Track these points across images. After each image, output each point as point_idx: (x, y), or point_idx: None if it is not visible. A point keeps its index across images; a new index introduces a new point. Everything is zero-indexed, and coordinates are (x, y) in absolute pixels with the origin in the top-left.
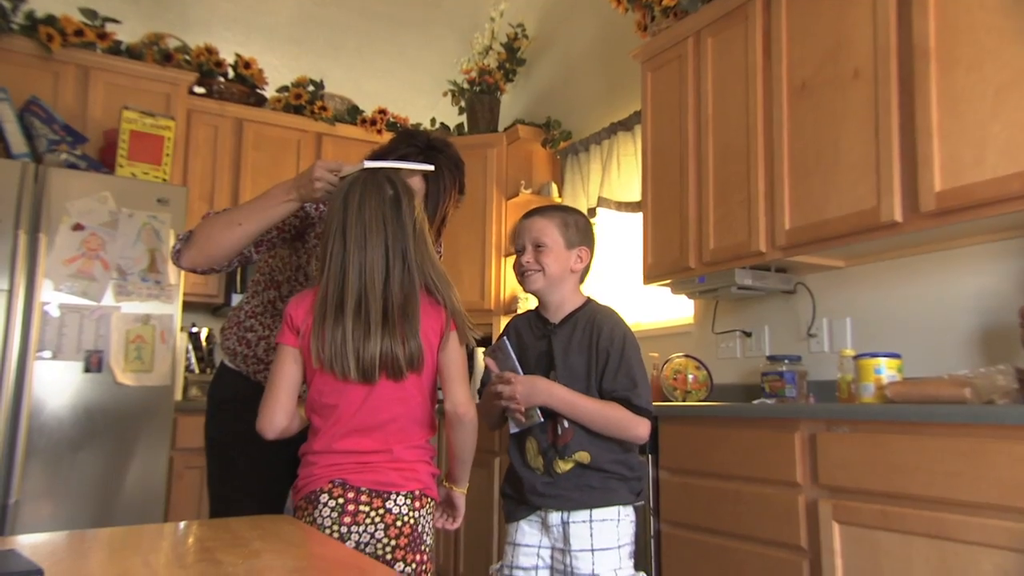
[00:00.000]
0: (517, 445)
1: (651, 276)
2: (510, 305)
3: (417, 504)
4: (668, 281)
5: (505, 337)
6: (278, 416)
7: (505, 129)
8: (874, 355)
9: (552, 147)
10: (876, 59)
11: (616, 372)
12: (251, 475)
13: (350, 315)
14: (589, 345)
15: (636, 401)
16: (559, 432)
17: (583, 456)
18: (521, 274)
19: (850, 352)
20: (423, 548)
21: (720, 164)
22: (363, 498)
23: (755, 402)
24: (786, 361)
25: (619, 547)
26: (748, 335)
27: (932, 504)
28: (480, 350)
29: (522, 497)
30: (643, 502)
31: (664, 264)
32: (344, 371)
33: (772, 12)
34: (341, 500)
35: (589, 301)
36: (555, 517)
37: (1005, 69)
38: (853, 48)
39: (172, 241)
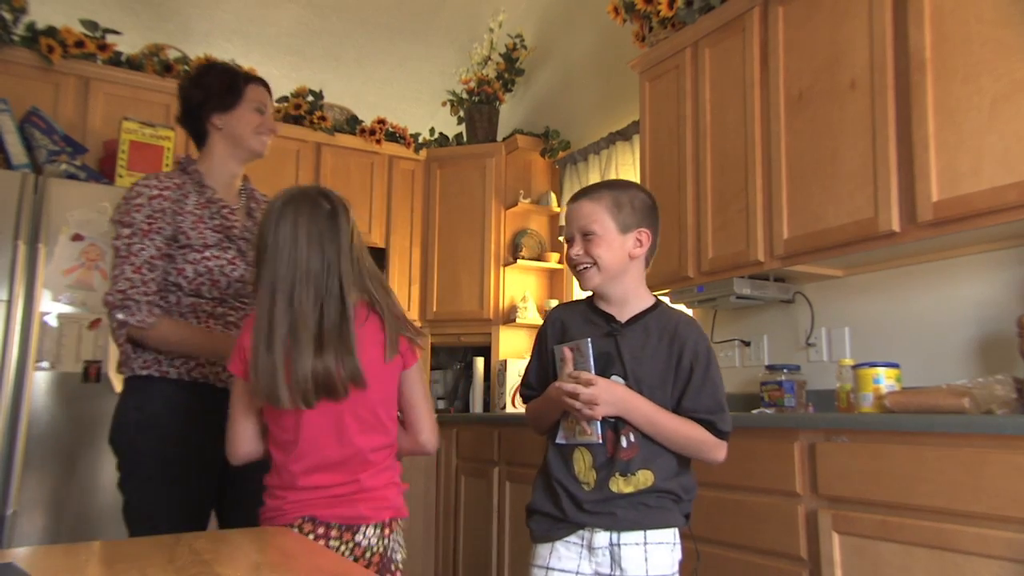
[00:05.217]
0: (561, 455)
1: (649, 285)
2: (509, 314)
3: (387, 531)
4: (667, 290)
5: (590, 340)
6: (241, 447)
7: (504, 139)
8: (873, 365)
9: (551, 157)
10: (873, 70)
11: (700, 391)
12: (178, 485)
13: (279, 342)
14: (669, 355)
15: (721, 426)
16: (623, 445)
17: (647, 477)
18: (573, 268)
19: (849, 362)
20: (392, 568)
21: (718, 174)
22: (333, 532)
23: (754, 411)
24: (785, 371)
25: (672, 574)
26: (747, 344)
27: (932, 514)
28: (479, 359)
29: (563, 514)
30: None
31: (663, 273)
32: (276, 399)
33: (769, 23)
34: (311, 536)
35: (659, 301)
36: (602, 538)
37: (1001, 80)
38: (850, 59)
39: None
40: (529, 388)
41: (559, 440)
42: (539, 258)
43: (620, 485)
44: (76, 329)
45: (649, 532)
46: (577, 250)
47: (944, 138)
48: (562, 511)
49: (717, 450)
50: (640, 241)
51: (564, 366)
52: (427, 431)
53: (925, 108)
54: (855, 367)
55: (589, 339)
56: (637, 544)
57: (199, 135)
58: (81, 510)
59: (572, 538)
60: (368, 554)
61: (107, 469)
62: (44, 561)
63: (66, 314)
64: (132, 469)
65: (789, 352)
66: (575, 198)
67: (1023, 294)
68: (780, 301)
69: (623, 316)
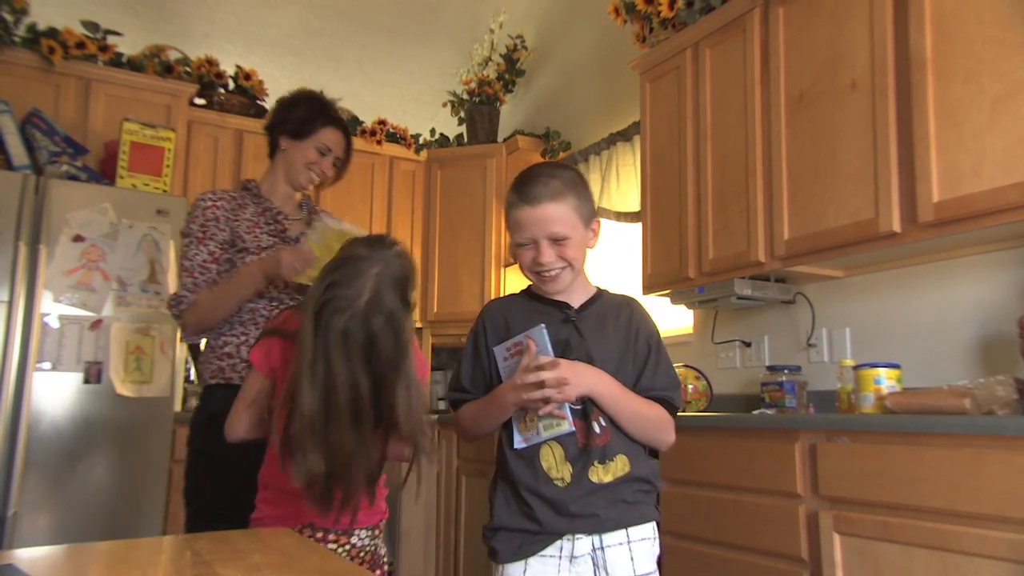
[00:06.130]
0: (524, 459)
1: (650, 286)
2: None
3: (377, 531)
4: (667, 291)
5: (544, 326)
6: (237, 427)
7: (504, 140)
8: (874, 365)
9: (551, 157)
10: (874, 70)
11: (656, 368)
12: (238, 487)
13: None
14: (627, 336)
15: (676, 403)
16: (596, 431)
17: (624, 463)
18: (537, 274)
19: (850, 362)
20: (381, 563)
21: (719, 174)
22: (331, 537)
23: (755, 412)
24: (786, 371)
25: (655, 571)
26: (748, 345)
27: (933, 515)
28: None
29: (538, 525)
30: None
31: (663, 274)
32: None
33: (770, 24)
34: (311, 540)
35: (599, 287)
36: (584, 544)
37: (1002, 81)
38: (850, 60)
39: (172, 252)
40: (460, 392)
41: (518, 444)
42: None
43: (600, 474)
44: (77, 330)
45: (631, 530)
46: (548, 257)
47: (945, 139)
48: (537, 522)
49: (672, 430)
50: (594, 230)
51: (524, 357)
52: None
53: (926, 109)
54: (856, 368)
55: (543, 325)
56: (621, 544)
57: (271, 148)
58: (82, 511)
59: (549, 551)
60: (363, 553)
61: (107, 470)
62: (45, 562)
63: (67, 315)
64: (192, 468)
65: (790, 353)
66: (529, 199)
67: None
68: (781, 302)
69: (575, 303)
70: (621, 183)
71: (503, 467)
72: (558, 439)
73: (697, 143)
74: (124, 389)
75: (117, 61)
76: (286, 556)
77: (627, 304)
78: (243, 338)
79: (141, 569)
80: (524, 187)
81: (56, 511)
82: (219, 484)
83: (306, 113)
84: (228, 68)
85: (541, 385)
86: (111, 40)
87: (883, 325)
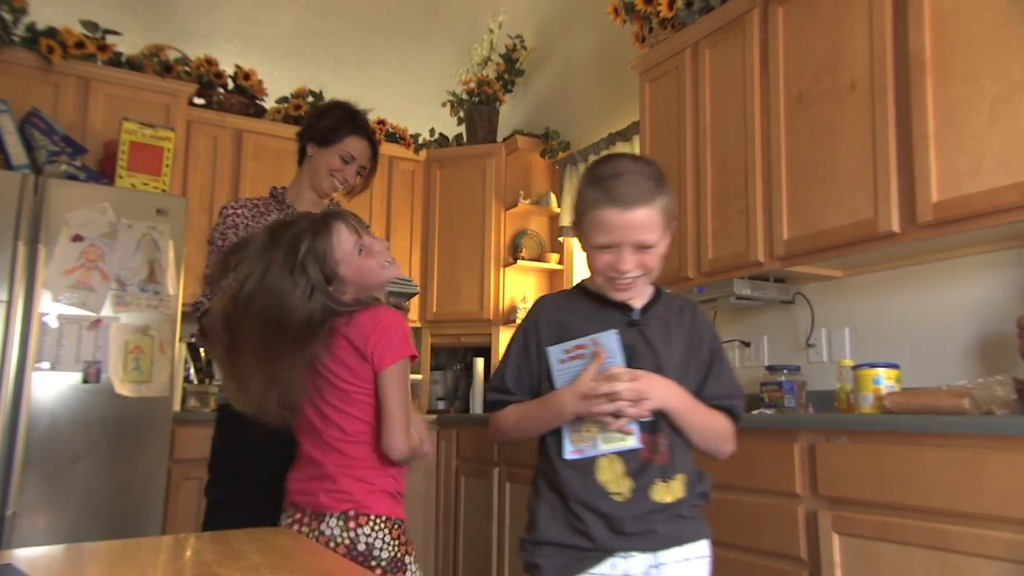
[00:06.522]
0: (579, 470)
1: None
2: (509, 315)
3: (352, 524)
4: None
5: (616, 331)
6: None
7: (504, 139)
8: (873, 365)
9: (551, 157)
10: (873, 71)
11: (720, 375)
12: (250, 481)
13: None
14: (690, 341)
15: (740, 411)
16: (660, 448)
17: (682, 482)
18: (611, 280)
19: (849, 362)
20: (372, 564)
21: (718, 174)
22: (305, 519)
23: (754, 412)
24: (785, 371)
25: None
26: (747, 345)
27: (932, 515)
28: (479, 359)
29: (591, 541)
30: None
31: (662, 274)
32: None
33: (769, 24)
34: (290, 520)
35: (656, 285)
36: (639, 563)
37: (1001, 81)
38: (850, 60)
39: (171, 252)
40: (503, 393)
41: (570, 455)
42: (539, 259)
43: (662, 493)
44: (76, 330)
45: (688, 547)
46: (629, 265)
47: (944, 139)
48: (589, 538)
49: (734, 439)
50: (672, 232)
51: (591, 364)
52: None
53: (925, 109)
54: (855, 368)
55: (615, 331)
56: (678, 562)
57: (300, 155)
58: (80, 511)
59: (600, 568)
60: (332, 544)
61: (106, 470)
62: (43, 562)
63: (66, 315)
64: (212, 463)
65: (789, 353)
66: (621, 201)
67: (1023, 295)
68: (780, 302)
69: (637, 304)
70: None
71: (549, 476)
72: (620, 452)
73: (696, 143)
74: (123, 389)
75: (116, 61)
76: (285, 556)
77: (689, 306)
78: None
79: (140, 569)
80: (614, 185)
81: (55, 511)
82: (235, 482)
83: (333, 121)
84: (227, 68)
85: (612, 397)
86: (110, 40)
87: (882, 325)
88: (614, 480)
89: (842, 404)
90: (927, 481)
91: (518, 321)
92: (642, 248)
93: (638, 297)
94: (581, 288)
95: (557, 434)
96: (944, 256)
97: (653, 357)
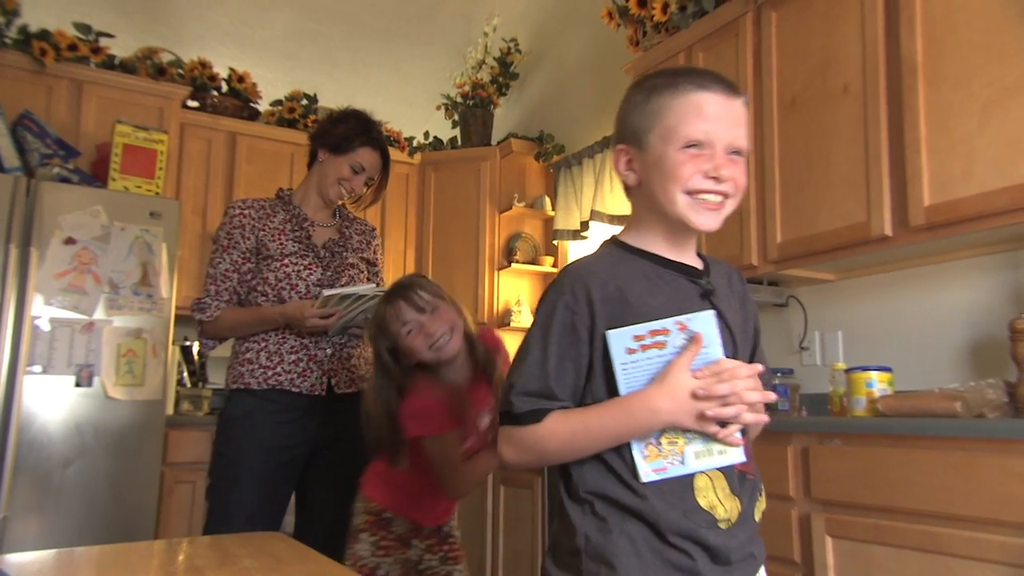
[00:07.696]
0: (671, 494)
1: None
2: (503, 318)
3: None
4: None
5: (713, 312)
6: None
7: (498, 143)
8: (865, 368)
9: (545, 160)
10: (865, 75)
11: (764, 360)
12: (252, 489)
13: None
14: (744, 318)
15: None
16: (750, 457)
17: (762, 491)
18: (699, 195)
19: (842, 365)
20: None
21: None
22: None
23: None
24: (778, 374)
25: None
26: None
27: (924, 518)
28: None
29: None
30: None
31: None
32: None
33: (762, 28)
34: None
35: None
36: None
37: (992, 85)
38: (842, 64)
39: (164, 255)
40: (543, 398)
41: (649, 477)
42: (533, 262)
43: (761, 509)
44: (68, 333)
45: (762, 568)
46: (728, 170)
47: (936, 143)
48: (693, 570)
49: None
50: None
51: (684, 352)
52: None
53: (917, 113)
54: (848, 371)
55: (712, 312)
56: None
57: (311, 158)
58: (72, 515)
59: None
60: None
61: (99, 474)
62: (35, 567)
63: (58, 318)
64: (212, 468)
65: (782, 356)
66: (724, 86)
67: (1014, 298)
68: (773, 305)
69: (699, 264)
70: (615, 186)
71: (623, 502)
72: (722, 468)
73: None
74: (116, 392)
75: (109, 63)
76: (277, 560)
77: (736, 273)
78: (263, 344)
79: (132, 573)
80: (706, 74)
81: (47, 515)
82: (234, 486)
83: (348, 130)
84: (221, 70)
85: (728, 400)
86: (103, 42)
87: (875, 328)
88: (720, 503)
89: (835, 407)
90: (920, 484)
91: (512, 324)
92: (735, 155)
93: (691, 254)
94: (621, 245)
95: (621, 450)
96: (936, 259)
97: (732, 341)
